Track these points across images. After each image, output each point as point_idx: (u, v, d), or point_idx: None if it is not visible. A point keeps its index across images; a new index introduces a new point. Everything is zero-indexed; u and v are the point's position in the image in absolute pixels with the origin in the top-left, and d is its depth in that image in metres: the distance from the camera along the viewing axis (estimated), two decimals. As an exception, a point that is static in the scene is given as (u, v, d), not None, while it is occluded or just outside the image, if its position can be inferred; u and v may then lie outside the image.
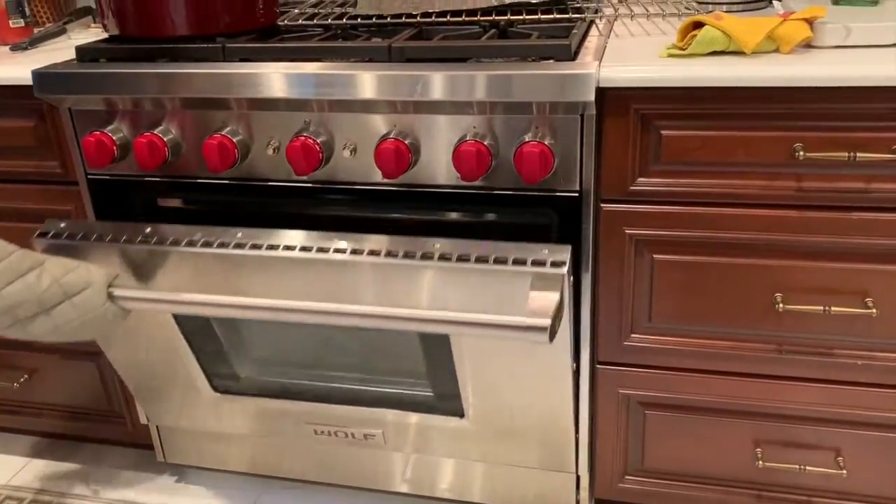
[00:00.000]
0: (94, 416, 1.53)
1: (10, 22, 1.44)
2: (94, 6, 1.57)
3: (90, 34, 1.50)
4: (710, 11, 1.17)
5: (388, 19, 1.28)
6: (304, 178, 1.15)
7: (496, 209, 1.16)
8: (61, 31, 1.49)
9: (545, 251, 1.02)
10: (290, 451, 1.43)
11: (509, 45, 1.12)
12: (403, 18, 1.27)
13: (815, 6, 1.07)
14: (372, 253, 1.04)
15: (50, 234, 1.16)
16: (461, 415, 1.20)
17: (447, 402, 1.20)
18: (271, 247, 1.08)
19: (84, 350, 1.45)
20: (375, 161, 1.09)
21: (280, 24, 1.32)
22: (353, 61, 1.12)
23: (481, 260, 1.02)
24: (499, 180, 1.10)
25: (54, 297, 0.97)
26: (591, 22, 1.27)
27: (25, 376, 1.51)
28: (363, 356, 1.23)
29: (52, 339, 1.01)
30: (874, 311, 1.06)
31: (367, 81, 1.07)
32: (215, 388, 1.32)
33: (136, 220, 1.32)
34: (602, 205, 1.11)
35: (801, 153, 1.00)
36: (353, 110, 1.11)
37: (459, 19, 1.26)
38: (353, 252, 1.05)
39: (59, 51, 1.35)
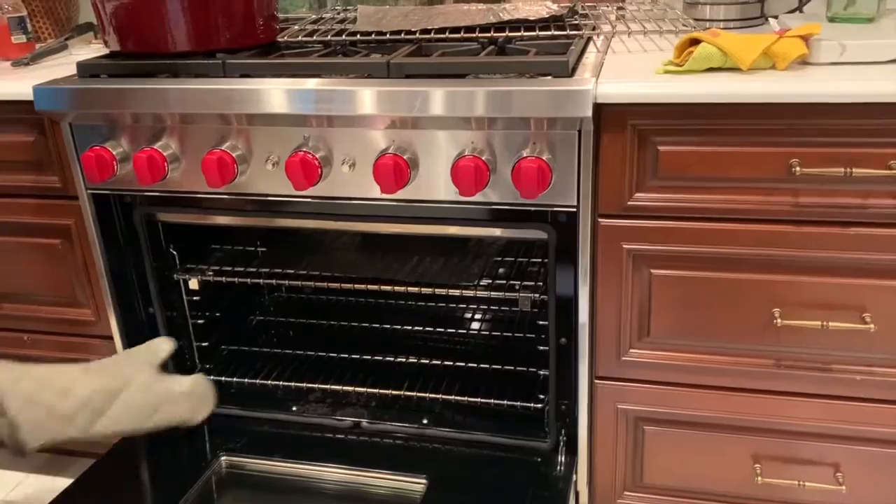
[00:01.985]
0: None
1: (12, 38, 1.44)
2: (95, 22, 1.58)
3: (91, 50, 1.51)
4: (707, 28, 1.18)
5: (388, 36, 1.29)
6: (303, 192, 1.16)
7: (494, 224, 1.17)
8: (63, 47, 1.50)
9: None
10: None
11: (507, 62, 1.12)
12: (402, 35, 1.28)
13: (810, 23, 1.08)
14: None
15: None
16: None
17: None
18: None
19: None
20: (374, 176, 1.09)
21: (280, 40, 1.32)
22: (353, 77, 1.12)
23: None
24: (497, 195, 1.11)
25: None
26: (589, 39, 1.28)
27: (23, 391, 1.51)
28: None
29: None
30: (872, 326, 1.06)
31: (366, 97, 1.07)
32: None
33: (136, 234, 1.32)
34: (599, 220, 1.11)
35: (798, 169, 1.01)
36: (352, 126, 1.11)
37: (458, 36, 1.27)
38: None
39: (61, 66, 1.36)
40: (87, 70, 1.23)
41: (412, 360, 1.49)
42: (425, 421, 1.35)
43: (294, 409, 1.41)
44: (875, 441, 1.14)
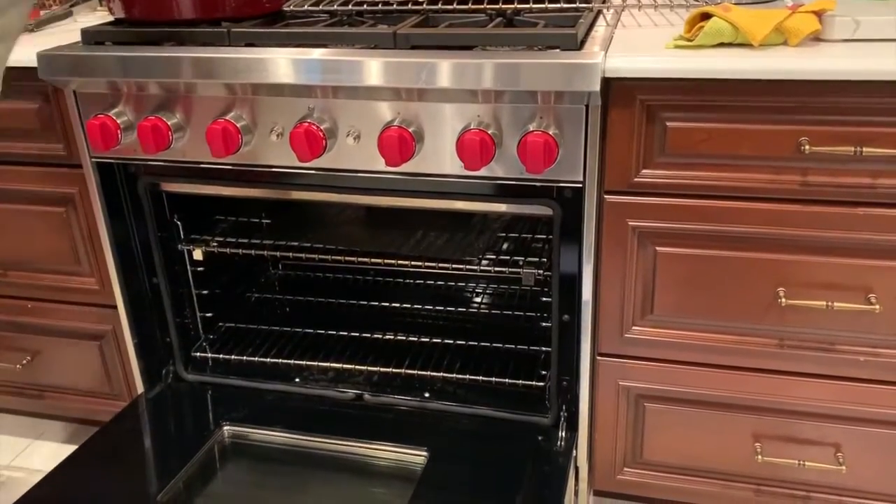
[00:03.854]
0: (96, 397, 1.53)
1: (17, 4, 1.43)
2: (100, -11, 1.57)
3: (96, 17, 1.50)
4: (719, 3, 1.15)
5: (394, 6, 1.27)
6: (307, 164, 1.15)
7: (499, 199, 1.16)
8: (67, 14, 1.49)
9: None
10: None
11: (515, 34, 1.11)
12: (409, 5, 1.27)
13: (824, -2, 1.06)
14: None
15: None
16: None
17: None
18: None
19: (86, 332, 1.46)
20: (379, 148, 1.09)
21: (285, 9, 1.31)
22: (359, 48, 1.11)
23: None
24: (502, 170, 1.10)
25: None
26: (599, 12, 1.26)
27: (28, 358, 1.52)
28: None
29: None
30: (877, 307, 1.06)
31: (371, 68, 1.06)
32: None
33: (140, 203, 1.32)
34: (605, 196, 1.10)
35: (807, 147, 1.00)
36: (358, 97, 1.10)
37: (466, 7, 1.25)
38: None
39: (65, 33, 1.35)
40: (91, 37, 1.22)
41: (413, 338, 1.49)
42: (427, 395, 1.36)
43: (297, 380, 1.41)
44: (877, 422, 1.14)
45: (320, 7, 1.32)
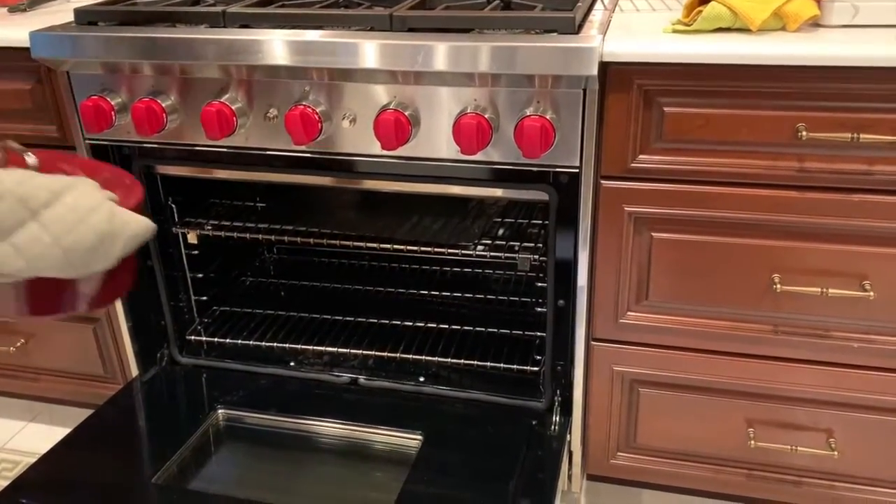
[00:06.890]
0: (90, 380, 1.53)
1: (9, -17, 1.42)
2: (93, -31, 1.55)
3: (89, -3, 1.48)
4: (718, -13, 1.15)
5: (391, -12, 1.26)
6: (303, 147, 1.14)
7: (495, 184, 1.16)
8: (60, -6, 1.47)
9: None
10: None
11: (513, 17, 1.10)
12: (406, -12, 1.25)
13: (823, -16, 1.05)
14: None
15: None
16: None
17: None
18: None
19: (81, 315, 1.46)
20: (375, 132, 1.08)
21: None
22: (355, 30, 1.10)
23: None
24: (498, 154, 1.10)
25: (38, 194, 0.73)
26: (597, -4, 1.25)
27: (22, 341, 1.52)
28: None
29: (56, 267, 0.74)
30: (871, 294, 1.06)
31: (367, 50, 1.05)
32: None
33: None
34: (602, 181, 1.10)
35: (804, 133, 0.99)
36: (354, 80, 1.10)
37: (463, -10, 1.24)
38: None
39: (58, 13, 1.34)
40: (84, 17, 1.21)
41: (408, 322, 1.49)
42: (422, 379, 1.36)
43: (292, 364, 1.41)
44: (869, 408, 1.15)
45: (316, -12, 1.30)
